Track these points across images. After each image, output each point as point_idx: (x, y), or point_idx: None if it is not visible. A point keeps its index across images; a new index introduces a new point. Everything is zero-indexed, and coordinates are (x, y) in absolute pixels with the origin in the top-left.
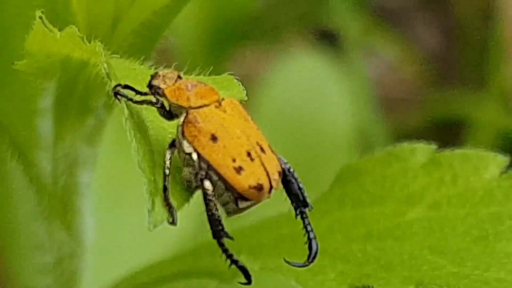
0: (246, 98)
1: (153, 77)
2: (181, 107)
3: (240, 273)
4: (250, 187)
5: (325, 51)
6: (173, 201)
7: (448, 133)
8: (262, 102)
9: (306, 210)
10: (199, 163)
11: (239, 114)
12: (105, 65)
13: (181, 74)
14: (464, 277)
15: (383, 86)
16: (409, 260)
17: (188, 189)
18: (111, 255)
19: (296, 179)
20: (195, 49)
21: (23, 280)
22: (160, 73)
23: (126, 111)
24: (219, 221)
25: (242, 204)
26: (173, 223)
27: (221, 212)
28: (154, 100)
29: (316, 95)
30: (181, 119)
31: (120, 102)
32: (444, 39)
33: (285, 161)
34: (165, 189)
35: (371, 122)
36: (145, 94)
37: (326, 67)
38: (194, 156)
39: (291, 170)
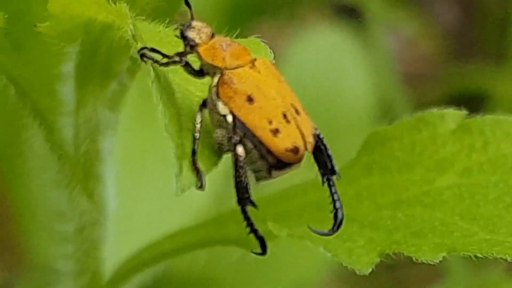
0: (273, 62)
1: (187, 27)
2: (215, 67)
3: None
4: (287, 149)
5: (344, 26)
6: (201, 165)
7: (468, 108)
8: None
9: (334, 178)
10: (234, 125)
11: (273, 75)
12: (131, 26)
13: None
14: (497, 244)
15: (402, 61)
16: (440, 227)
17: (218, 152)
18: (133, 223)
19: (325, 146)
20: (213, 24)
21: (42, 250)
22: (195, 24)
23: (152, 74)
24: (247, 188)
25: (274, 174)
26: (201, 187)
27: (250, 178)
28: (181, 60)
29: (335, 70)
30: (215, 79)
31: (146, 64)
32: (462, 13)
33: (316, 126)
34: (193, 153)
35: (392, 95)
36: (171, 57)
37: (345, 42)
38: (229, 118)
39: (321, 136)
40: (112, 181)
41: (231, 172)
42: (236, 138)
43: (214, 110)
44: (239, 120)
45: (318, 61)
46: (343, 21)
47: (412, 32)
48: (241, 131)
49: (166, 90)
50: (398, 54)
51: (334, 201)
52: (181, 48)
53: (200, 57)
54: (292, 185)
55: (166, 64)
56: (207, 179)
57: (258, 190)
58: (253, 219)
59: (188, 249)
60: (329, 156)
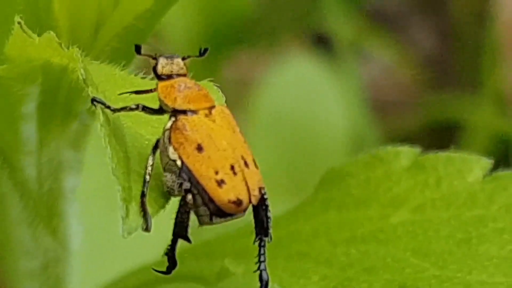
0: (225, 105)
1: (163, 57)
2: (166, 105)
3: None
4: (229, 201)
5: (320, 54)
6: (149, 208)
7: (443, 136)
8: (258, 105)
9: (266, 240)
10: (181, 171)
11: (228, 125)
12: (82, 71)
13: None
14: (447, 280)
15: (379, 89)
16: (392, 263)
17: (167, 195)
18: (97, 260)
19: (267, 206)
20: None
21: (11, 284)
22: (174, 59)
23: (101, 118)
24: (186, 228)
25: (216, 220)
26: (147, 229)
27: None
28: (133, 106)
29: (311, 99)
30: (169, 123)
31: (96, 108)
32: (439, 42)
33: (263, 185)
34: (143, 195)
35: (365, 125)
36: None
37: (321, 70)
38: (179, 163)
39: (266, 195)
40: (76, 219)
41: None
42: (187, 184)
43: (165, 153)
44: (186, 167)
45: (295, 89)
46: (321, 50)
47: (390, 60)
48: (186, 176)
49: (115, 134)
50: (376, 82)
51: (260, 262)
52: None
53: (157, 91)
54: (250, 223)
55: (119, 110)
56: (167, 217)
57: (217, 228)
58: (175, 251)
59: (150, 286)
60: (267, 217)
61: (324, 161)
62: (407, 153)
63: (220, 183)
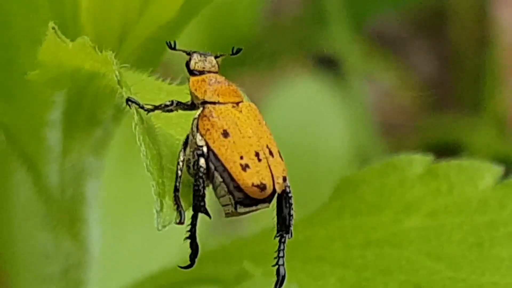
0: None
1: (197, 53)
2: (197, 98)
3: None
4: (253, 184)
5: (323, 77)
6: (182, 202)
7: (444, 158)
8: None
9: (286, 236)
10: (208, 156)
11: (254, 117)
12: (117, 72)
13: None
14: (461, 281)
15: (380, 111)
16: (406, 265)
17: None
18: (117, 264)
19: (290, 204)
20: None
21: None
22: (207, 57)
23: (136, 117)
24: (203, 197)
25: (240, 209)
26: (180, 222)
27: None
28: (168, 103)
29: (314, 121)
30: (198, 112)
31: (131, 108)
32: (440, 65)
33: (288, 183)
34: (176, 189)
35: (368, 146)
36: (161, 105)
37: (324, 92)
38: (205, 149)
39: (290, 194)
40: (97, 224)
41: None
42: (199, 151)
43: (193, 141)
44: (213, 152)
45: (298, 111)
46: (323, 72)
47: (390, 82)
48: (212, 163)
49: (148, 132)
50: (376, 104)
51: (278, 257)
52: (162, 95)
53: (188, 85)
54: (268, 227)
55: (152, 110)
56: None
57: (236, 231)
58: (196, 230)
59: None
60: (290, 215)
61: (326, 182)
62: (420, 160)
63: (245, 167)
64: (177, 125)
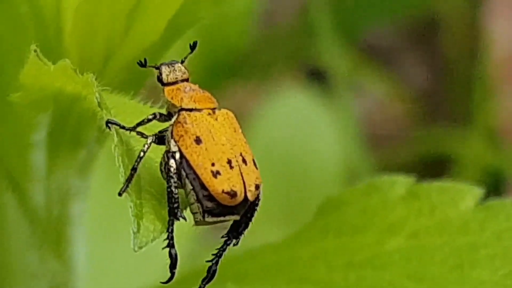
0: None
1: (166, 64)
2: (173, 106)
3: None
4: (223, 191)
5: (315, 88)
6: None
7: (435, 169)
8: (252, 139)
9: (232, 242)
10: (180, 162)
11: (230, 125)
12: (97, 95)
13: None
14: None
15: (371, 123)
16: (388, 287)
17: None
18: (103, 283)
19: (253, 213)
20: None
21: None
22: (175, 65)
23: (115, 138)
24: (176, 199)
25: (208, 219)
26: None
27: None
28: (150, 117)
29: (305, 132)
30: (173, 119)
31: (111, 130)
32: (431, 77)
33: (261, 192)
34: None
35: (359, 158)
36: (141, 133)
37: (315, 104)
38: (177, 155)
39: (258, 203)
40: (83, 243)
41: (200, 233)
42: (171, 152)
43: (167, 147)
44: (185, 158)
45: (289, 123)
46: (315, 84)
47: (382, 94)
48: (184, 170)
49: (128, 154)
50: (368, 116)
51: (216, 256)
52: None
53: (164, 96)
54: (252, 248)
55: (133, 129)
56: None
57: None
58: (174, 237)
59: None
60: (247, 224)
61: (316, 193)
62: (402, 182)
63: (216, 173)
64: (157, 148)
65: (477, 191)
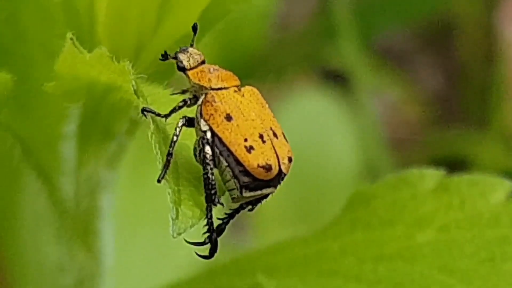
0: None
1: (181, 51)
2: (202, 87)
3: None
4: (259, 165)
5: (331, 91)
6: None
7: (450, 173)
8: None
9: (248, 207)
10: (212, 141)
11: (257, 101)
12: (133, 82)
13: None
14: None
15: (386, 126)
16: (419, 279)
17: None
18: (130, 276)
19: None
20: None
21: None
22: (189, 50)
23: (152, 126)
24: (213, 185)
25: (246, 194)
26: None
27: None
28: (181, 103)
29: (321, 135)
30: (201, 99)
31: (147, 117)
32: (446, 80)
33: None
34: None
35: (377, 161)
36: (169, 115)
37: (331, 106)
38: (208, 134)
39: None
40: (110, 236)
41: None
42: (204, 139)
43: (198, 128)
44: (217, 136)
45: (305, 125)
46: (330, 86)
47: (397, 97)
48: (218, 148)
49: (165, 142)
50: (383, 119)
51: (228, 217)
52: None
53: (189, 80)
54: (281, 240)
55: (169, 115)
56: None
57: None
58: (213, 222)
59: None
60: (267, 195)
61: (334, 195)
62: (431, 175)
63: (249, 149)
64: (192, 136)
65: (508, 184)
